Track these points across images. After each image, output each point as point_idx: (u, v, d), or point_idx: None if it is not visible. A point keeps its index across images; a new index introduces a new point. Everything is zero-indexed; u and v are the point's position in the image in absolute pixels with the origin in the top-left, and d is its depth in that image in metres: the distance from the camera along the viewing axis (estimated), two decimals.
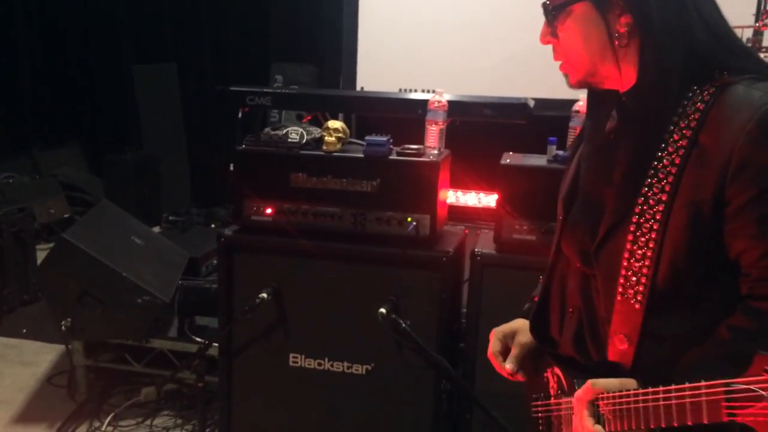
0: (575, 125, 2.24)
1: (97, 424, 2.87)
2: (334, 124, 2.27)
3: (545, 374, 1.36)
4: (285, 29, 5.37)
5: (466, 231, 2.50)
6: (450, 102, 2.33)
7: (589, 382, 1.10)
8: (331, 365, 2.33)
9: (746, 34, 3.32)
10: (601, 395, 1.09)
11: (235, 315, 2.34)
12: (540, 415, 1.37)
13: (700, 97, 1.07)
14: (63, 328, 2.73)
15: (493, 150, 2.32)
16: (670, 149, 1.08)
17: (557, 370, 1.30)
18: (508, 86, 4.21)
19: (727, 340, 1.04)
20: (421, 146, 2.26)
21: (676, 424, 0.95)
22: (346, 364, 2.32)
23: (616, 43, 1.11)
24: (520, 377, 1.40)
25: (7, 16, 5.86)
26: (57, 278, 2.74)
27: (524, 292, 2.14)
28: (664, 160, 1.08)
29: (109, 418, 2.90)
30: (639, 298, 1.10)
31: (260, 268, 2.34)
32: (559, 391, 1.29)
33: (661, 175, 1.08)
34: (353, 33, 4.92)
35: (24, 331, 3.56)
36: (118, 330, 2.82)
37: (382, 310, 2.14)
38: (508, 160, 2.21)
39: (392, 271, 2.23)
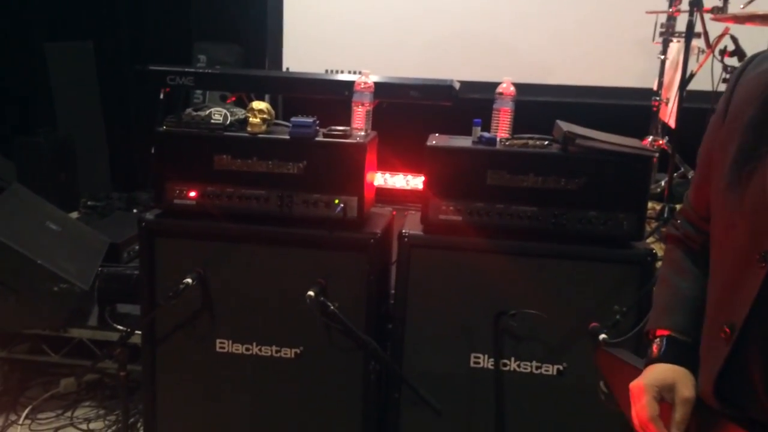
0: (499, 107, 2.28)
1: (13, 417, 2.78)
2: (258, 105, 2.22)
3: None
4: (208, 7, 5.23)
5: (394, 213, 2.51)
6: (376, 83, 2.33)
7: None
8: (260, 350, 2.31)
9: (660, 20, 3.45)
10: None
11: (158, 301, 2.28)
12: None
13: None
14: None
15: (420, 132, 2.33)
16: None
17: None
18: (435, 68, 4.25)
19: None
20: (347, 128, 2.25)
21: None
22: (274, 348, 2.30)
23: None
24: None
25: None
26: None
27: (451, 273, 2.19)
28: None
29: (26, 411, 2.80)
30: None
31: (184, 253, 2.28)
32: None
33: None
34: (278, 12, 4.86)
35: None
36: (34, 320, 2.71)
37: (310, 293, 2.13)
38: (434, 142, 2.22)
39: (320, 253, 2.22)
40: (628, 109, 3.99)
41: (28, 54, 5.49)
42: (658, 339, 1.21)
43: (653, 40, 3.49)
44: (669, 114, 3.29)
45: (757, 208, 1.01)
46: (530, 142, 2.19)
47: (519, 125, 2.31)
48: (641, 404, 1.13)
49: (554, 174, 2.12)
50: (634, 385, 1.17)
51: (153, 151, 2.29)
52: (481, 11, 4.51)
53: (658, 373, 1.15)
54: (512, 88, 2.28)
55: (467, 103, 2.96)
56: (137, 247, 3.10)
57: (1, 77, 5.67)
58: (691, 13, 2.88)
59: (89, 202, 4.67)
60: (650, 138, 3.51)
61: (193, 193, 2.24)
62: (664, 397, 1.14)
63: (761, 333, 1.02)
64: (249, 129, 2.22)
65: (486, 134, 2.21)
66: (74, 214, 4.27)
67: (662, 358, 1.17)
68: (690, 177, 3.42)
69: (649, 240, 2.92)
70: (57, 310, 2.67)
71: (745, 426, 1.05)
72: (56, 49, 5.25)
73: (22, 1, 5.55)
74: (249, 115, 2.23)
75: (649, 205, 3.40)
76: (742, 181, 1.04)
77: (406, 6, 4.61)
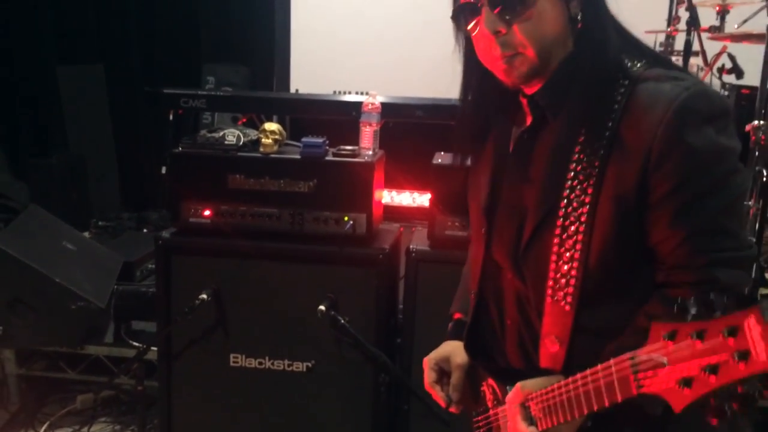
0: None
1: None
2: (270, 126, 2.31)
3: (482, 389, 1.34)
4: (216, 29, 5.34)
5: (401, 229, 2.58)
6: (383, 104, 2.40)
7: (518, 385, 1.13)
8: (272, 363, 2.37)
9: (660, 39, 3.53)
10: (530, 396, 1.11)
11: (174, 317, 2.34)
12: (482, 428, 1.35)
13: (617, 91, 1.07)
14: None
15: (426, 150, 2.40)
16: (591, 144, 1.07)
17: (491, 382, 1.29)
18: (440, 87, 4.33)
19: (644, 328, 1.04)
20: (356, 147, 2.32)
21: (596, 408, 0.96)
22: (286, 362, 2.36)
23: (575, 26, 1.12)
24: (453, 409, 1.35)
25: None
26: None
27: (457, 286, 2.24)
28: (586, 155, 1.07)
29: (44, 427, 2.85)
30: (569, 299, 1.10)
31: (199, 270, 2.35)
32: (495, 402, 1.29)
33: (582, 174, 1.07)
34: (286, 34, 4.95)
35: None
36: (52, 337, 2.77)
37: (322, 307, 2.20)
38: (439, 160, 2.30)
39: (330, 269, 2.29)
40: None
41: (40, 77, 5.59)
42: (452, 322, 1.45)
43: None
44: None
45: (479, 200, 1.28)
46: None
47: None
48: (425, 374, 1.39)
49: None
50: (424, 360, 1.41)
51: (164, 171, 2.37)
52: None
53: (440, 348, 1.40)
54: None
55: None
56: (150, 266, 3.19)
57: (15, 100, 5.78)
58: (688, 33, 2.96)
59: (100, 222, 4.74)
60: None
61: (207, 212, 2.32)
62: (443, 367, 1.38)
63: (492, 294, 1.27)
64: (261, 149, 2.30)
65: None
66: (85, 234, 4.34)
67: (449, 336, 1.42)
68: None
69: None
70: (74, 327, 2.73)
71: (491, 372, 1.29)
72: (68, 72, 5.34)
73: (34, 25, 5.67)
74: (261, 135, 2.31)
75: None
76: (473, 182, 1.33)
77: (410, 27, 4.71)
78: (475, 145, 1.30)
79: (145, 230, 4.58)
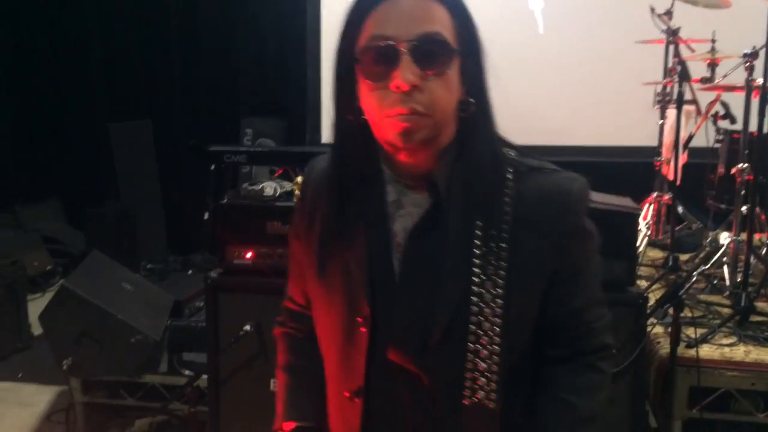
0: None
1: None
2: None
3: None
4: (253, 85, 5.75)
5: None
6: None
7: None
8: None
9: (657, 88, 3.83)
10: None
11: (221, 347, 2.67)
12: None
13: (505, 179, 1.08)
14: (64, 367, 3.02)
15: None
16: (490, 233, 1.05)
17: None
18: None
19: (578, 405, 1.12)
20: None
21: None
22: None
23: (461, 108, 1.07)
24: None
25: None
26: (58, 322, 3.04)
27: None
28: (488, 247, 1.04)
29: None
30: (492, 397, 1.06)
31: (242, 305, 2.65)
32: None
33: (488, 265, 1.04)
34: (317, 87, 5.36)
35: (20, 375, 3.82)
36: (114, 367, 3.09)
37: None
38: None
39: None
40: (635, 166, 4.37)
41: (94, 133, 6.06)
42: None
43: (653, 106, 3.88)
44: (670, 172, 3.64)
45: (344, 286, 1.13)
46: None
47: None
48: None
49: None
50: None
51: (207, 216, 2.70)
52: (496, 81, 4.96)
53: None
54: None
55: None
56: (197, 303, 3.55)
57: (71, 155, 6.28)
58: (680, 85, 3.25)
59: (149, 265, 5.12)
60: (655, 193, 3.85)
61: (249, 254, 2.66)
62: None
63: (381, 387, 1.13)
64: (294, 200, 2.66)
65: None
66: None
67: None
68: (693, 228, 3.73)
69: (656, 286, 3.23)
70: (133, 358, 3.06)
71: None
72: (119, 128, 5.75)
73: (87, 86, 6.19)
74: (294, 187, 2.67)
75: (657, 254, 3.74)
76: (328, 262, 1.14)
77: None
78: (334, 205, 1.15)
79: (189, 271, 4.92)
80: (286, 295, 1.36)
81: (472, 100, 1.06)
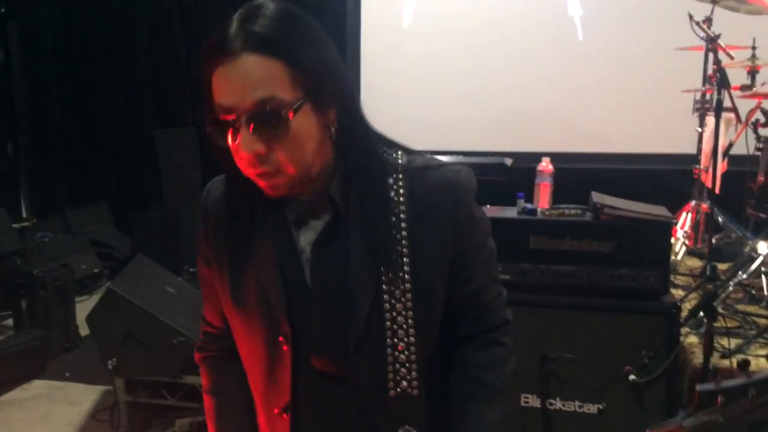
0: (539, 182, 2.68)
1: None
2: None
3: None
4: None
5: None
6: None
7: None
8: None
9: (696, 96, 3.80)
10: None
11: None
12: None
13: (392, 179, 1.13)
14: (110, 367, 3.14)
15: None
16: (389, 234, 1.11)
17: None
18: (491, 140, 4.75)
19: (487, 380, 1.20)
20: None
21: None
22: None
23: (330, 132, 1.09)
24: None
25: (45, 93, 6.44)
26: (104, 323, 3.17)
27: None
28: (388, 246, 1.11)
29: None
30: (414, 384, 1.12)
31: None
32: None
33: (392, 264, 1.10)
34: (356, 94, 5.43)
35: (67, 374, 3.97)
36: (157, 368, 3.20)
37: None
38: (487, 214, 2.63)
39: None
40: (673, 174, 4.33)
41: (140, 140, 6.24)
42: None
43: (692, 113, 3.84)
44: (709, 180, 3.60)
45: (261, 308, 1.15)
46: (566, 211, 2.58)
47: (581, 192, 2.68)
48: None
49: (587, 238, 2.48)
50: None
51: None
52: (537, 88, 5.00)
53: None
54: (551, 166, 2.69)
55: (514, 172, 3.33)
56: None
57: (119, 161, 6.49)
58: (719, 93, 3.22)
59: (191, 269, 5.26)
60: (693, 202, 3.81)
61: None
62: None
63: (309, 398, 1.17)
64: None
65: (529, 205, 2.62)
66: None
67: None
68: (732, 237, 3.68)
69: (693, 294, 3.20)
70: (175, 359, 3.15)
71: None
72: (164, 135, 5.92)
73: (135, 95, 6.39)
74: None
75: (695, 263, 3.70)
76: (241, 287, 1.16)
77: (461, 85, 5.15)
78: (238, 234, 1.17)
79: None
80: (203, 320, 1.36)
81: (333, 126, 1.09)
